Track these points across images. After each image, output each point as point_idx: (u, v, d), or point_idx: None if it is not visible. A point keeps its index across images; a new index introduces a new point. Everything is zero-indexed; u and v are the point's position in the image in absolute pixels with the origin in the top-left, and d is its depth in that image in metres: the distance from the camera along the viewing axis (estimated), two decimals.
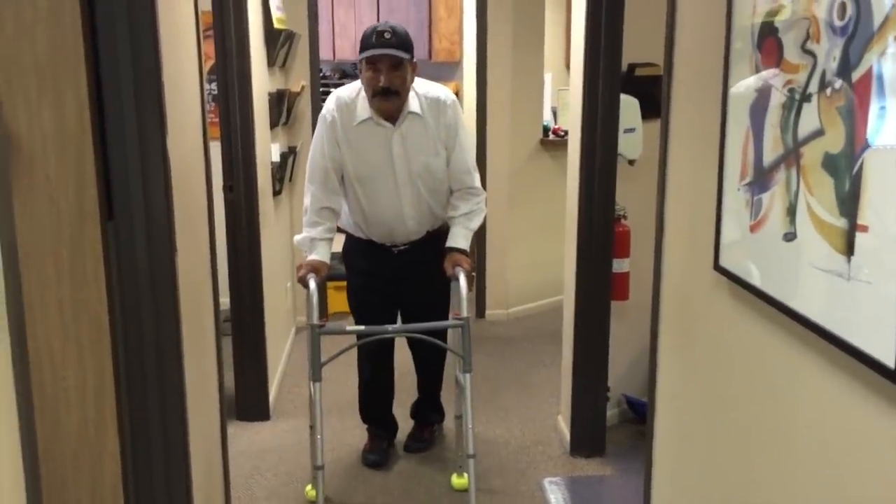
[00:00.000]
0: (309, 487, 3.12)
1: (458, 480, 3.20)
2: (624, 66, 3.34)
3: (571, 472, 3.35)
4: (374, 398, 3.44)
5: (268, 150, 4.02)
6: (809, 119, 1.44)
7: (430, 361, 3.43)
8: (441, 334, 3.11)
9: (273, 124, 4.14)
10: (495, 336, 5.02)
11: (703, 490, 2.08)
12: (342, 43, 8.48)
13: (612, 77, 3.23)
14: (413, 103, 2.97)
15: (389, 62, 2.85)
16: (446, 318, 3.10)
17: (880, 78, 1.22)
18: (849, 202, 1.31)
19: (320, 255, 2.96)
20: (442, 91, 3.07)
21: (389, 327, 2.87)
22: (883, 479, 1.25)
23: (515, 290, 5.38)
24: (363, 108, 2.95)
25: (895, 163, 1.18)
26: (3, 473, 1.20)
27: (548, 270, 5.13)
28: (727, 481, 1.91)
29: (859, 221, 1.28)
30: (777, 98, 1.56)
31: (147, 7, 2.00)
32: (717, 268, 1.87)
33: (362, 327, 2.86)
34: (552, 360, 4.29)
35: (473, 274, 3.11)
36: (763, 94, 1.63)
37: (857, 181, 1.28)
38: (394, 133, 2.96)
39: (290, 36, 4.41)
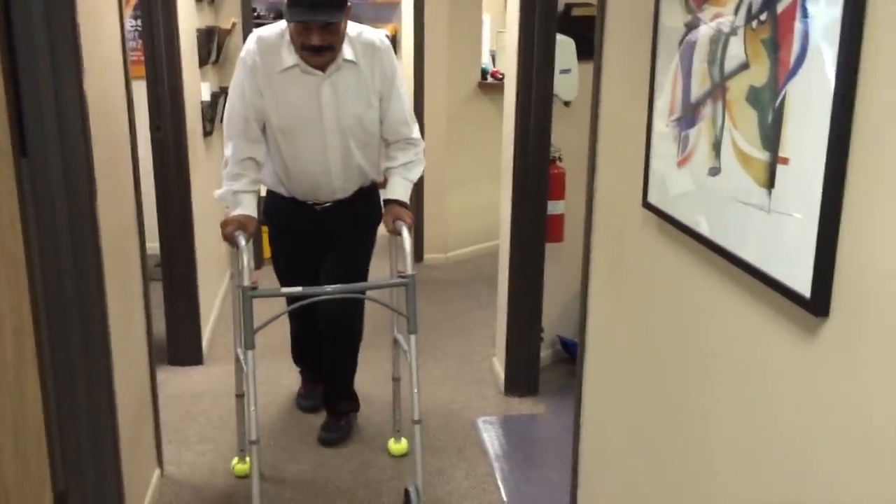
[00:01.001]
0: (236, 461, 2.93)
1: (395, 446, 3.07)
2: (561, 6, 3.32)
3: (505, 411, 3.41)
4: (307, 343, 3.32)
5: (197, 89, 3.90)
6: (735, 53, 1.44)
7: (343, 339, 3.10)
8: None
9: (202, 62, 4.02)
10: (433, 279, 5.03)
11: (630, 423, 2.13)
12: None
13: (548, 17, 3.20)
14: (346, 50, 2.70)
15: (326, 21, 2.58)
16: (365, 280, 2.96)
17: (804, 9, 1.22)
18: (771, 135, 1.32)
19: (246, 209, 2.71)
20: (376, 35, 2.81)
21: (328, 287, 2.57)
22: (797, 401, 1.29)
23: (454, 234, 5.39)
24: (289, 53, 2.67)
25: (817, 93, 1.19)
26: None
27: (486, 214, 5.13)
28: (653, 413, 1.95)
29: (780, 154, 1.29)
30: (705, 32, 1.56)
31: None
32: (646, 205, 1.89)
33: (299, 289, 2.57)
34: (488, 302, 4.32)
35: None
36: (692, 29, 1.62)
37: (779, 114, 1.29)
38: (323, 82, 2.70)
39: None
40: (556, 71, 3.25)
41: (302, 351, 3.38)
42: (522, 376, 3.54)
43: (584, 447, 2.57)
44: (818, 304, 1.21)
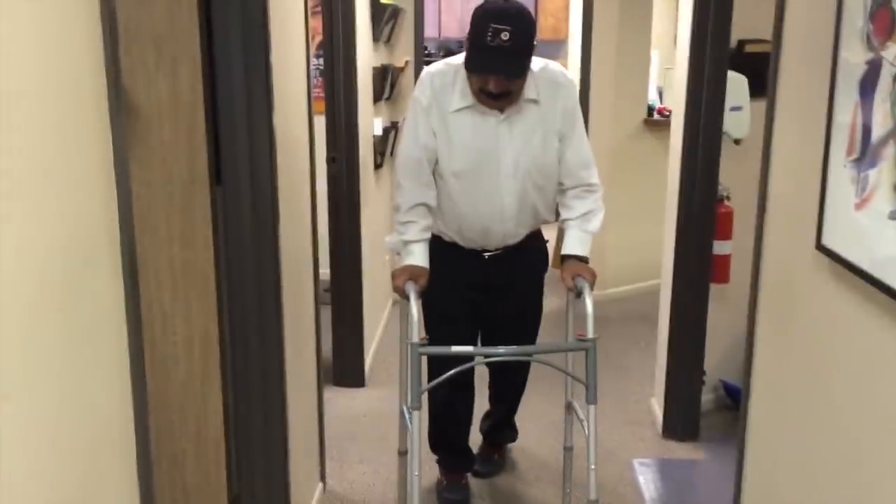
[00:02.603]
0: None
1: None
2: (733, 43, 3.25)
3: (662, 454, 3.32)
4: (452, 424, 2.96)
5: (370, 123, 4.10)
6: None
7: (516, 381, 3.04)
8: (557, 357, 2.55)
9: (376, 99, 4.22)
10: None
11: (798, 480, 2.04)
12: (448, 20, 8.53)
13: (719, 53, 3.14)
14: (528, 87, 2.51)
15: (507, 75, 2.41)
16: (535, 337, 2.83)
17: None
18: None
19: (418, 259, 2.57)
20: (559, 70, 2.64)
21: (501, 349, 2.41)
22: None
23: (613, 272, 5.32)
24: (463, 92, 2.51)
25: None
26: (114, 425, 1.29)
27: (646, 253, 5.04)
28: (824, 472, 1.86)
29: None
30: (888, 71, 1.50)
31: None
32: (820, 247, 1.82)
33: (470, 348, 2.41)
34: (647, 342, 4.24)
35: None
36: (873, 67, 1.57)
37: None
38: (501, 122, 2.53)
39: (395, 11, 4.47)
40: (727, 108, 3.18)
41: (446, 434, 2.98)
42: (682, 419, 3.44)
43: (745, 497, 2.47)
44: None
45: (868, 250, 1.59)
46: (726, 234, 3.31)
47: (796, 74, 2.11)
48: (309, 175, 2.79)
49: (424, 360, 2.34)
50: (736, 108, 3.23)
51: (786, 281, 2.16)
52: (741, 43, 3.32)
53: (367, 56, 3.93)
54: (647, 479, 3.11)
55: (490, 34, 2.30)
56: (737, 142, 3.30)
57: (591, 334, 2.33)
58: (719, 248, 3.31)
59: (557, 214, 2.79)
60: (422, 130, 2.56)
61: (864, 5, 1.61)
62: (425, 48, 6.08)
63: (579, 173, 2.63)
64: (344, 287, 3.80)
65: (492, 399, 3.15)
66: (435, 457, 3.01)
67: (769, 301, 2.32)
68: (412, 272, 2.53)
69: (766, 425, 2.33)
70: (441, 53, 8.15)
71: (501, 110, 2.50)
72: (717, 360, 3.58)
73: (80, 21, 1.17)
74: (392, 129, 4.63)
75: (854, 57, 1.66)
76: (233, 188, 2.21)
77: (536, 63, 2.53)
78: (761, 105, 2.73)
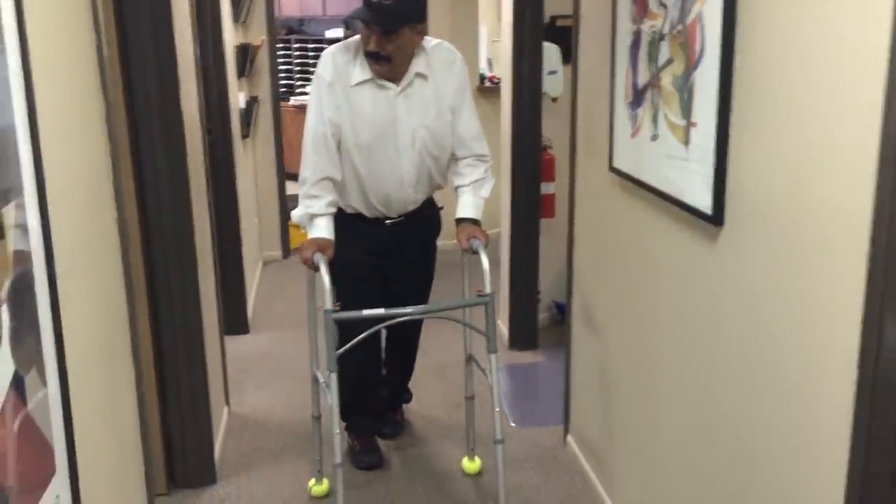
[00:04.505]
0: (312, 483, 2.92)
1: (470, 465, 3.05)
2: (547, 18, 3.94)
3: (510, 361, 4.01)
4: (364, 386, 3.09)
5: (236, 98, 4.51)
6: (664, 52, 2.05)
7: (409, 345, 3.25)
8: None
9: (239, 75, 4.63)
10: (445, 262, 5.62)
11: (609, 350, 2.74)
12: (286, 1, 8.86)
13: (535, 26, 3.82)
14: (420, 63, 2.71)
15: (380, 28, 2.59)
16: (428, 296, 3.05)
17: (701, 21, 1.84)
18: (687, 108, 1.93)
19: (324, 231, 2.70)
20: (451, 49, 2.83)
21: (409, 308, 2.53)
22: (706, 289, 1.90)
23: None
24: (362, 68, 2.69)
25: (710, 78, 1.80)
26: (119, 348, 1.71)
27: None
28: (625, 334, 2.56)
29: (692, 120, 1.91)
30: (645, 39, 2.18)
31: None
32: (612, 169, 2.50)
33: (382, 310, 2.50)
34: (493, 278, 4.91)
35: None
36: (637, 36, 2.24)
37: (691, 92, 1.91)
38: (398, 95, 2.70)
39: None
40: (545, 72, 3.87)
41: (359, 399, 3.07)
42: (523, 333, 4.14)
43: (573, 386, 3.17)
44: (717, 217, 1.82)
45: (638, 164, 2.27)
46: (550, 177, 4.02)
47: (591, 43, 2.78)
48: (202, 148, 3.19)
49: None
50: (552, 73, 3.92)
51: (591, 202, 2.84)
52: (553, 18, 4.01)
53: (230, 36, 4.34)
54: (500, 379, 3.78)
55: None
56: (554, 100, 4.00)
57: (488, 289, 2.57)
58: (545, 188, 4.01)
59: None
60: (326, 105, 2.68)
61: None
62: None
63: (471, 144, 2.83)
64: (226, 246, 4.21)
65: (387, 360, 3.26)
66: (344, 424, 3.03)
67: (582, 223, 3.00)
68: (319, 244, 2.65)
69: (583, 328, 3.02)
70: (283, 32, 8.51)
71: (394, 81, 2.69)
72: (550, 285, 4.30)
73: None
74: (254, 102, 5.05)
75: (626, 29, 2.33)
76: (150, 164, 2.60)
77: (430, 41, 2.77)
78: (571, 69, 3.40)
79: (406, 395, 3.42)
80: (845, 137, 1.36)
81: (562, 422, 3.28)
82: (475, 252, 2.69)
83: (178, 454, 2.87)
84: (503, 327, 4.26)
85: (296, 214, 2.77)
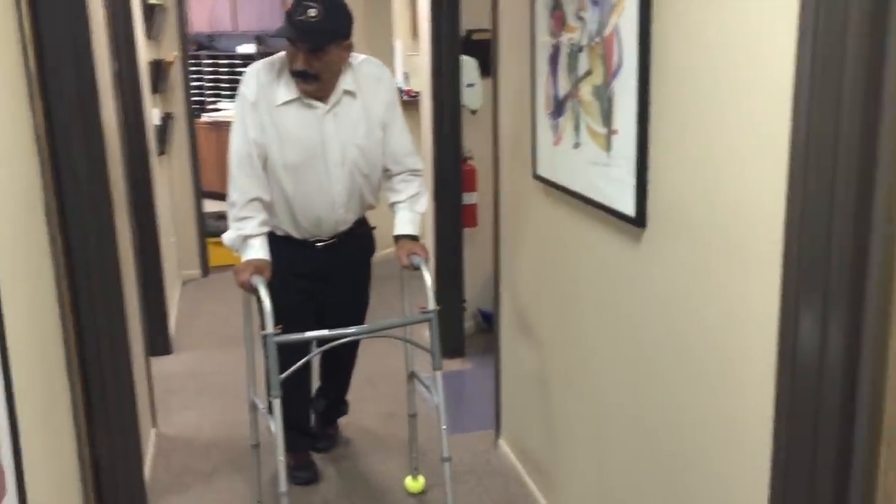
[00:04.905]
0: None
1: (413, 484, 3.02)
2: (463, 32, 4.02)
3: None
4: (297, 406, 3.04)
5: (151, 114, 4.44)
6: (583, 63, 2.15)
7: (349, 360, 3.20)
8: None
9: (153, 91, 4.56)
10: (377, 275, 5.64)
11: (540, 354, 2.81)
12: (196, 17, 8.73)
13: (453, 41, 3.90)
14: (347, 80, 2.66)
15: (308, 46, 2.54)
16: (364, 315, 3.01)
17: (618, 34, 1.93)
18: (607, 116, 2.02)
19: (260, 252, 2.61)
20: (379, 64, 2.80)
21: (353, 329, 2.49)
22: (632, 288, 2.00)
23: (384, 235, 6.01)
24: (289, 86, 2.62)
25: (629, 87, 1.89)
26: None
27: None
28: (555, 337, 2.64)
29: (613, 128, 2.00)
30: (564, 51, 2.27)
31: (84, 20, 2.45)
32: (535, 176, 2.58)
33: (326, 331, 2.46)
34: (417, 288, 4.96)
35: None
36: (556, 48, 2.33)
37: (610, 101, 2.00)
38: (326, 114, 2.65)
39: (161, 9, 4.81)
40: (463, 85, 3.95)
41: (290, 417, 2.78)
42: (450, 341, 4.18)
43: (503, 392, 3.24)
44: (639, 220, 1.91)
45: (562, 171, 2.36)
46: (472, 187, 4.10)
47: (510, 56, 2.86)
48: (122, 165, 3.15)
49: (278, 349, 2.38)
50: (470, 85, 4.01)
51: (516, 210, 2.92)
52: (469, 32, 4.10)
53: (143, 51, 4.27)
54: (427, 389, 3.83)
55: (299, 9, 2.50)
56: (473, 112, 4.09)
57: (431, 306, 2.53)
58: (467, 198, 4.09)
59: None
60: (250, 125, 2.61)
61: (547, 6, 2.37)
62: None
63: (405, 160, 2.79)
64: (146, 266, 4.13)
65: (323, 378, 3.25)
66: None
67: (507, 230, 3.08)
68: (256, 266, 2.56)
69: (512, 334, 3.09)
70: (193, 48, 8.38)
71: (322, 100, 2.63)
72: (476, 293, 4.38)
73: None
74: (168, 119, 4.97)
75: (545, 41, 2.42)
76: (73, 186, 2.53)
77: (356, 57, 2.72)
78: (489, 82, 3.49)
79: (343, 407, 3.36)
80: (758, 141, 1.47)
81: (492, 427, 3.34)
82: (416, 268, 2.65)
83: (107, 476, 2.80)
84: (426, 333, 4.31)
85: (227, 238, 2.67)
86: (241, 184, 2.63)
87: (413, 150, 2.84)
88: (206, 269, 5.74)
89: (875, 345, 1.36)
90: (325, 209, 2.73)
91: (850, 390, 1.40)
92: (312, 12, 2.48)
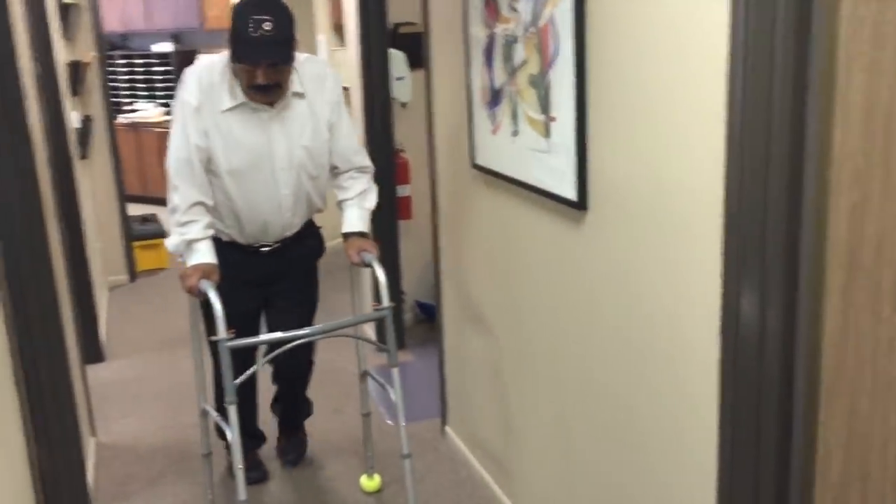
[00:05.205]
0: None
1: (369, 483, 3.00)
2: (390, 26, 4.04)
3: (380, 363, 4.06)
4: (246, 409, 2.91)
5: (70, 117, 4.32)
6: (519, 53, 2.20)
7: (304, 375, 3.13)
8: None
9: (72, 93, 4.43)
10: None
11: (486, 340, 2.86)
12: (108, 15, 8.49)
13: (380, 35, 3.91)
14: (294, 81, 2.59)
15: (272, 61, 2.47)
16: (313, 318, 2.93)
17: (553, 24, 1.99)
18: (545, 104, 2.08)
19: (207, 256, 2.53)
20: (322, 63, 2.76)
21: (306, 330, 2.45)
22: (576, 270, 2.06)
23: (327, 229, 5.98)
24: (233, 91, 2.55)
25: (566, 76, 1.95)
26: None
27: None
28: (501, 321, 2.69)
29: (551, 115, 2.06)
30: (500, 41, 2.32)
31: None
32: (474, 165, 2.63)
33: (279, 334, 2.44)
34: (356, 282, 4.96)
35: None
36: (491, 39, 2.38)
37: (548, 89, 2.05)
38: (272, 117, 2.59)
39: (76, 8, 4.67)
40: (393, 79, 3.97)
41: (243, 417, 2.68)
42: (383, 334, 4.21)
43: (448, 381, 3.28)
44: (581, 203, 1.98)
45: (501, 159, 2.41)
46: (405, 180, 4.12)
47: (443, 48, 2.90)
48: (48, 170, 3.06)
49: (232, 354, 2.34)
50: (400, 78, 4.03)
51: (455, 200, 2.97)
52: (396, 26, 4.12)
53: (61, 52, 4.15)
54: (373, 383, 3.84)
55: (252, 25, 2.38)
56: (404, 105, 4.11)
57: (385, 302, 2.51)
58: (401, 191, 4.11)
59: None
60: (192, 131, 2.54)
61: None
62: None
63: (352, 158, 2.75)
64: (75, 272, 4.02)
65: (278, 382, 3.15)
66: (223, 442, 3.00)
67: (446, 221, 3.11)
68: (203, 270, 2.50)
69: (455, 322, 3.13)
70: (107, 47, 8.15)
71: (272, 105, 2.57)
72: (413, 285, 4.41)
73: None
74: (88, 121, 4.84)
75: (479, 33, 2.46)
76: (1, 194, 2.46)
77: (298, 57, 2.61)
78: (418, 74, 3.53)
79: (306, 407, 3.25)
80: (695, 125, 1.54)
81: (438, 415, 3.39)
82: (367, 265, 2.64)
83: (50, 487, 2.73)
84: (370, 330, 4.32)
85: (171, 243, 2.58)
86: (183, 189, 2.56)
87: (360, 147, 2.81)
88: (133, 273, 5.62)
89: (809, 316, 1.45)
90: (271, 214, 2.69)
91: (789, 358, 1.49)
92: (267, 26, 2.38)
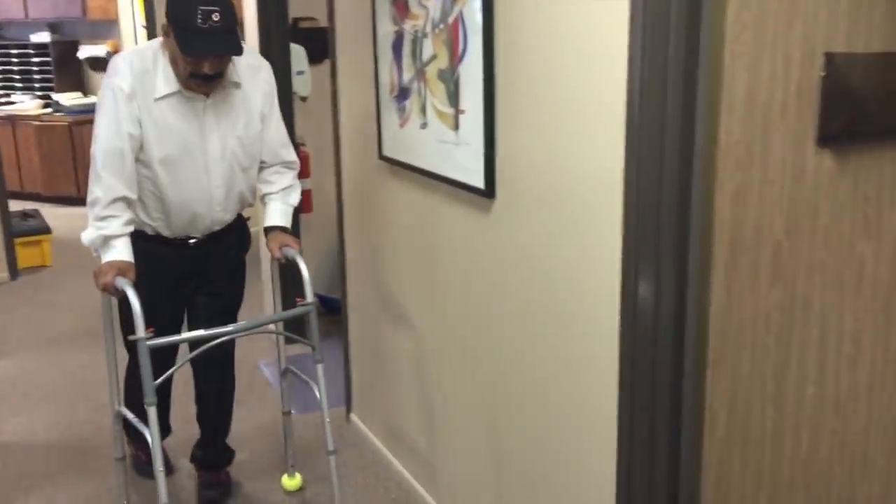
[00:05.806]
0: None
1: (290, 482, 2.97)
2: (290, 21, 4.07)
3: (275, 356, 4.09)
4: (159, 407, 2.61)
5: None
6: (428, 49, 2.30)
7: (226, 383, 3.00)
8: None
9: None
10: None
11: (393, 328, 2.95)
12: None
13: (281, 29, 3.94)
14: (231, 71, 2.54)
15: (224, 52, 2.42)
16: (236, 318, 2.84)
17: (463, 20, 2.10)
18: (454, 97, 2.19)
19: (124, 254, 2.45)
20: (256, 54, 2.73)
21: (230, 327, 2.43)
22: (485, 255, 2.18)
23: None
24: (167, 78, 2.48)
25: (475, 70, 2.06)
26: None
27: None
28: (409, 308, 2.79)
29: (460, 108, 2.17)
30: (408, 37, 2.41)
31: None
32: (382, 157, 2.71)
33: (202, 331, 2.39)
34: (256, 278, 4.94)
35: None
36: (399, 35, 2.47)
37: (457, 84, 2.16)
38: (207, 106, 2.53)
39: None
40: (293, 73, 4.00)
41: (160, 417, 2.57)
42: (292, 328, 4.23)
43: (353, 373, 3.35)
44: (489, 191, 2.10)
45: (409, 151, 2.50)
46: (306, 174, 4.15)
47: (348, 43, 2.97)
48: None
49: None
50: (300, 73, 4.06)
51: (361, 193, 3.04)
52: (296, 20, 4.15)
53: None
54: (272, 374, 3.86)
55: (200, 17, 2.31)
56: (304, 99, 4.14)
57: (309, 298, 2.53)
58: (302, 185, 4.13)
59: None
60: (124, 119, 2.46)
61: None
62: None
63: (280, 152, 2.72)
64: None
65: (207, 419, 3.02)
66: (126, 438, 2.90)
67: (352, 213, 3.18)
68: (120, 267, 2.42)
69: (360, 313, 3.20)
70: None
71: (208, 94, 2.52)
72: (313, 278, 4.42)
73: None
74: None
75: (387, 29, 2.55)
76: None
77: None
78: (318, 69, 3.57)
79: (228, 454, 3.07)
80: (596, 116, 1.68)
81: (342, 404, 3.45)
82: (289, 260, 2.63)
83: None
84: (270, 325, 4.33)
85: (86, 237, 2.47)
86: (107, 181, 2.45)
87: (288, 142, 2.78)
88: (14, 271, 5.40)
89: (698, 290, 1.62)
90: (201, 206, 2.62)
91: (680, 328, 1.66)
92: (216, 16, 2.32)
